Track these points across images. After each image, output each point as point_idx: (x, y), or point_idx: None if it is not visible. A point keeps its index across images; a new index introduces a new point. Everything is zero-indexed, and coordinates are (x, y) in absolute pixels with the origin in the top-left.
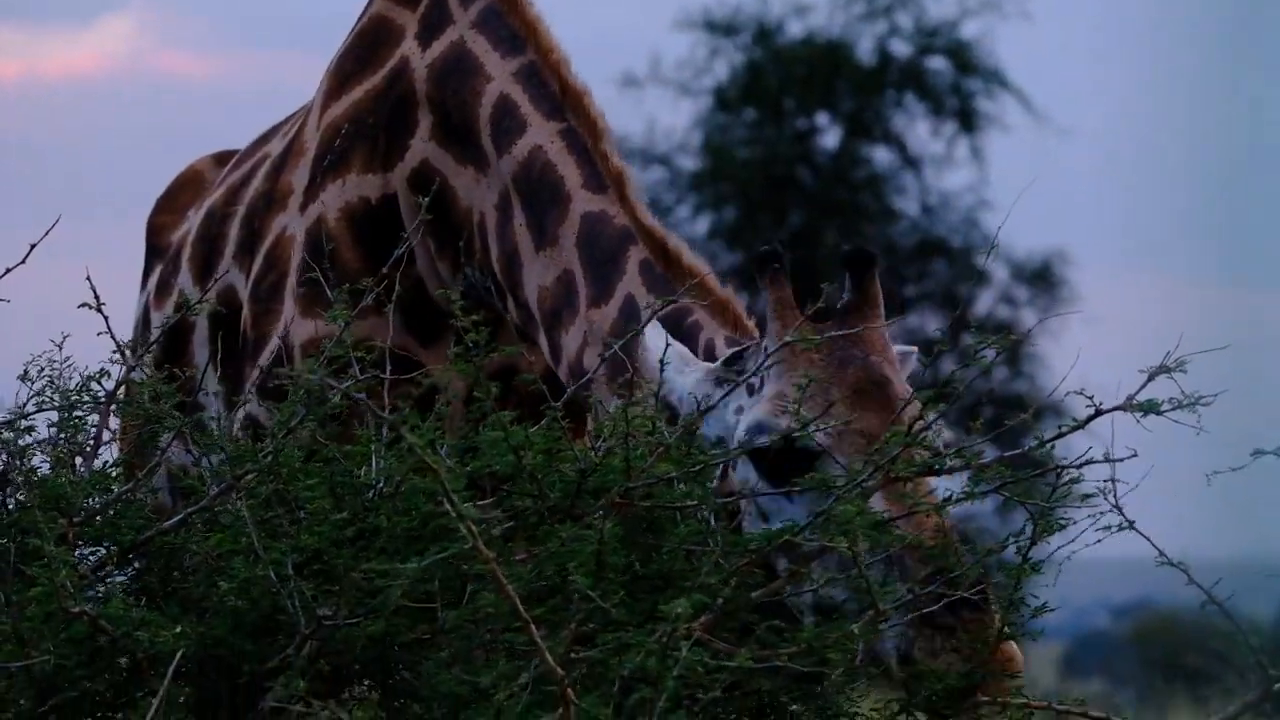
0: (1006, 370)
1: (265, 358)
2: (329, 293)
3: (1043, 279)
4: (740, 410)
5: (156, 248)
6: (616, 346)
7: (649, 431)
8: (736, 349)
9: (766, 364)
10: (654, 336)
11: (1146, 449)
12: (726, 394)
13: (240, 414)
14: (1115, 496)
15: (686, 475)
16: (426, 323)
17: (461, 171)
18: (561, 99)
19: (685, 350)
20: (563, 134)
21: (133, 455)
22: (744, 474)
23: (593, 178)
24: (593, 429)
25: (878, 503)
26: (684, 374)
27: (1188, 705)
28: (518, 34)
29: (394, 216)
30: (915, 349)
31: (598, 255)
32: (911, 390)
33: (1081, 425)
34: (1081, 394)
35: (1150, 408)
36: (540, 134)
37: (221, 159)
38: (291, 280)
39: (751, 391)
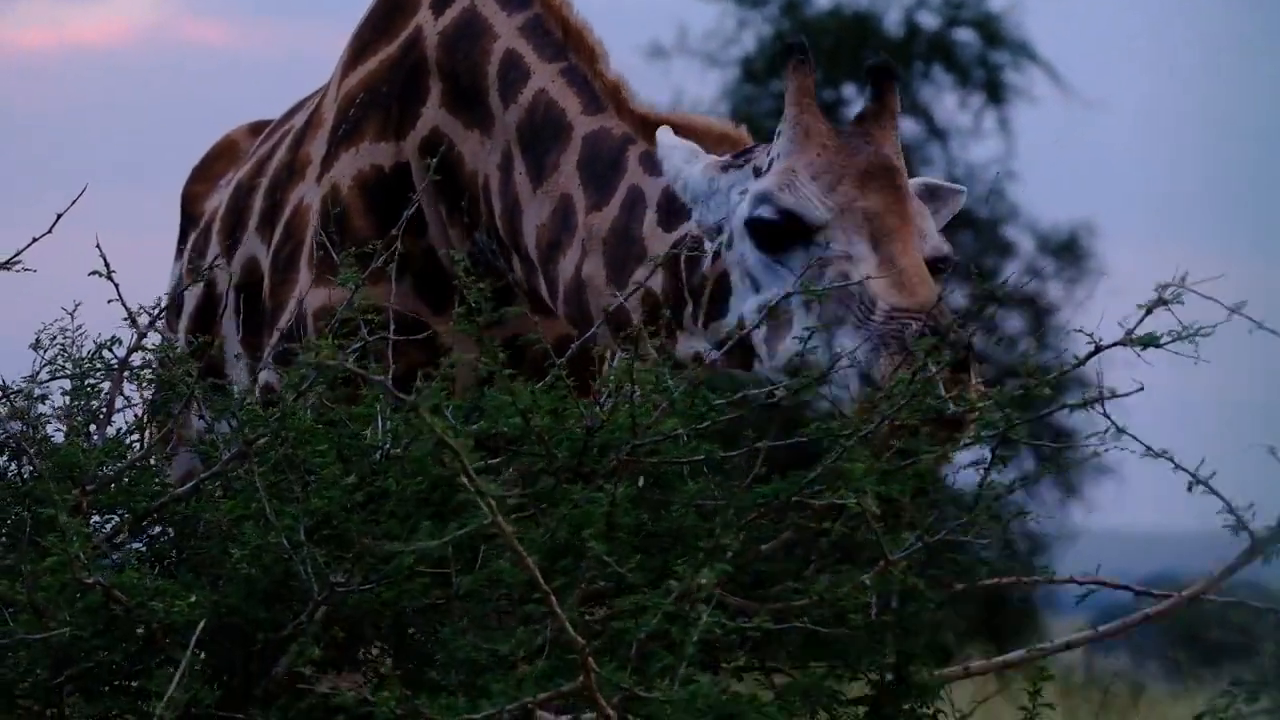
0: (1031, 342)
1: (281, 326)
2: (346, 259)
3: (1069, 251)
4: (744, 192)
5: (191, 216)
6: (625, 297)
7: (654, 387)
8: (750, 147)
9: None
10: (666, 137)
11: (1166, 426)
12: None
13: (259, 382)
14: (1104, 408)
15: (693, 431)
16: (438, 290)
17: (469, 136)
18: (564, 41)
19: (697, 147)
20: (563, 71)
21: (151, 421)
22: (741, 250)
23: (591, 101)
24: (598, 384)
25: None
26: (692, 164)
27: (1211, 678)
28: None
29: (406, 185)
30: (963, 188)
31: (598, 169)
32: (924, 206)
33: (1082, 362)
34: (1081, 331)
35: (1149, 341)
36: (543, 77)
37: (257, 129)
38: (307, 249)
39: (757, 174)
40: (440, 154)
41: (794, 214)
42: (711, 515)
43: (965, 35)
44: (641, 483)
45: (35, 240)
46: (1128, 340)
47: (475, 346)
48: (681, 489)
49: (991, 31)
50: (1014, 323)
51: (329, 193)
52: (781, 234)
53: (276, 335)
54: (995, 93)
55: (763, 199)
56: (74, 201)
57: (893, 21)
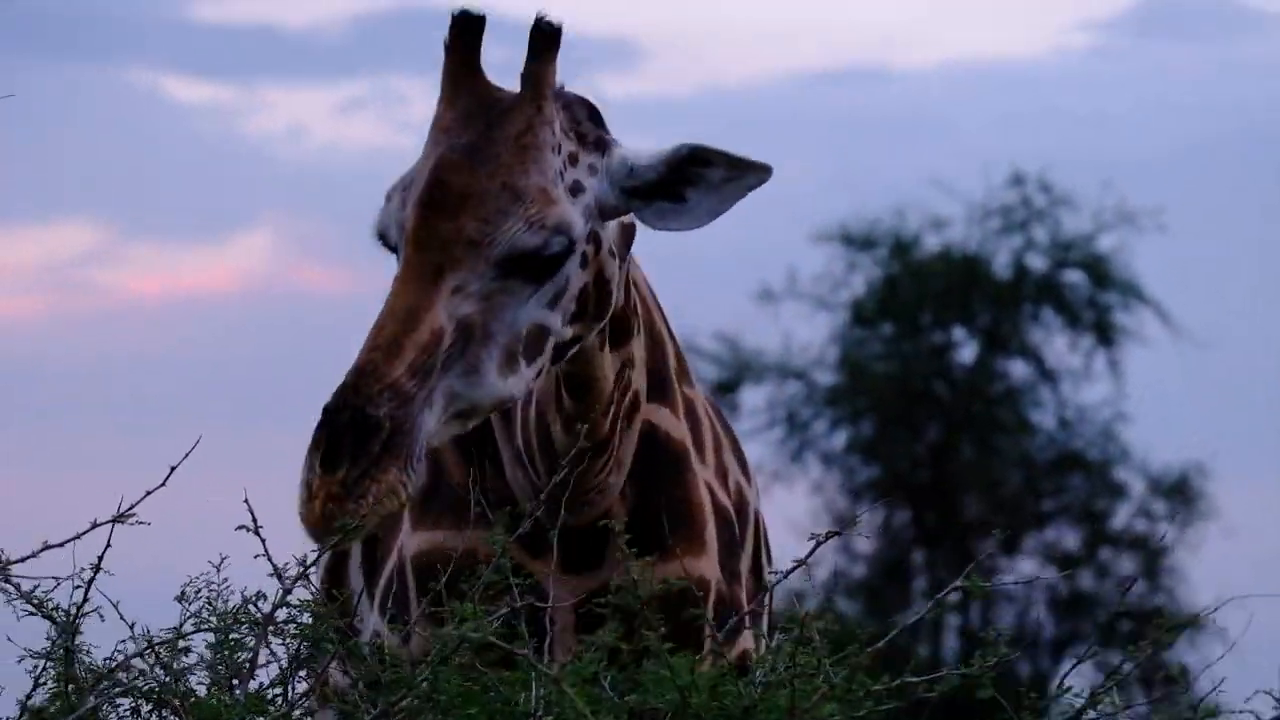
0: (1144, 583)
1: (384, 575)
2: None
3: (1180, 492)
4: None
5: None
6: None
7: (813, 671)
8: None
9: None
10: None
11: None
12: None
13: (369, 633)
14: None
15: (850, 718)
16: (533, 534)
17: None
18: None
19: None
20: None
21: (294, 676)
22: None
23: None
24: (754, 661)
25: None
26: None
27: None
28: None
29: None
30: (768, 167)
31: None
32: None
33: None
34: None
35: None
36: None
37: None
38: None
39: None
40: None
41: (381, 234)
42: None
43: (1074, 277)
44: None
45: (149, 494)
46: None
47: (573, 592)
48: None
49: (1100, 273)
50: (1126, 565)
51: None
52: (385, 246)
53: (381, 584)
54: (1105, 334)
55: (385, 200)
56: (186, 455)
57: (1001, 264)
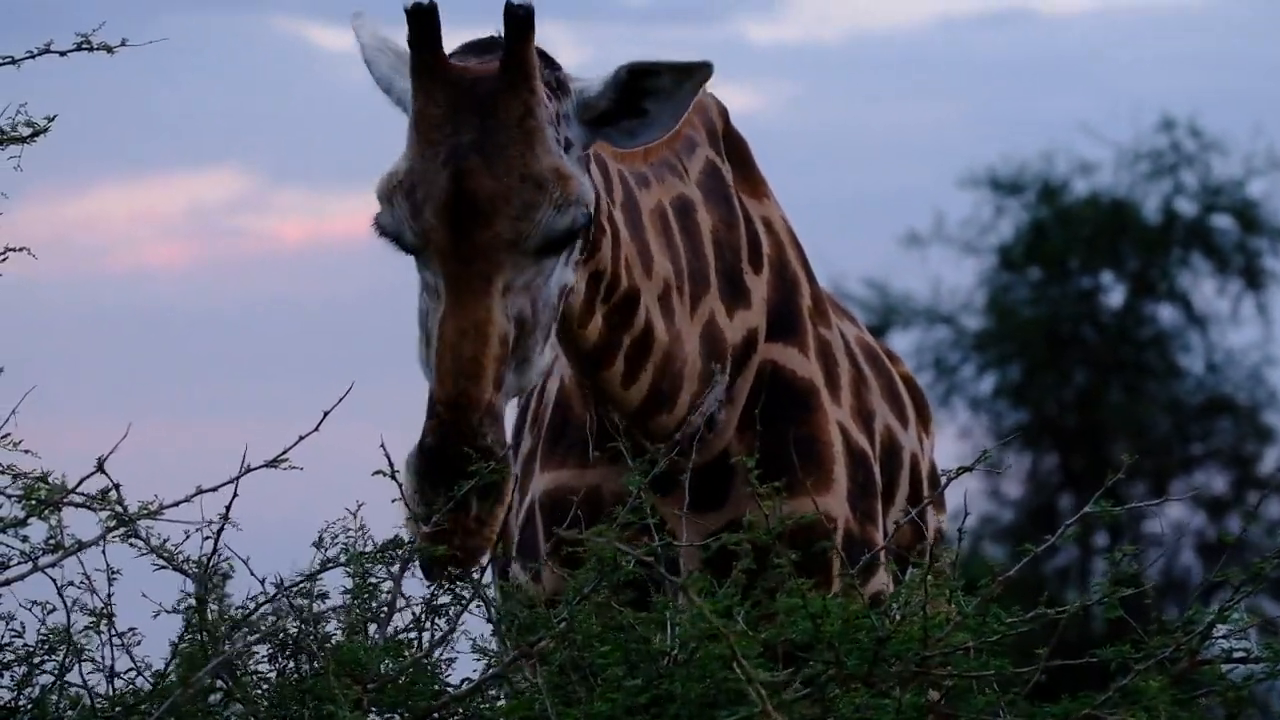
0: None
1: (518, 518)
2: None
3: None
4: None
5: None
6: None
7: (948, 599)
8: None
9: None
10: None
11: None
12: None
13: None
14: None
15: (984, 645)
16: (660, 474)
17: None
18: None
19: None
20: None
21: (430, 619)
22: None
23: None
24: (888, 594)
25: None
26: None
27: None
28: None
29: None
30: (707, 62)
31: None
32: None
33: None
34: None
35: None
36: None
37: None
38: (543, 442)
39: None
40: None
41: (395, 236)
42: None
43: (1223, 221)
44: (930, 694)
45: (301, 439)
46: None
47: (697, 532)
48: (970, 701)
49: (1249, 218)
50: (1276, 509)
51: (558, 386)
52: (398, 246)
53: (517, 526)
54: (1254, 278)
55: (379, 200)
56: (340, 400)
57: (1151, 209)
